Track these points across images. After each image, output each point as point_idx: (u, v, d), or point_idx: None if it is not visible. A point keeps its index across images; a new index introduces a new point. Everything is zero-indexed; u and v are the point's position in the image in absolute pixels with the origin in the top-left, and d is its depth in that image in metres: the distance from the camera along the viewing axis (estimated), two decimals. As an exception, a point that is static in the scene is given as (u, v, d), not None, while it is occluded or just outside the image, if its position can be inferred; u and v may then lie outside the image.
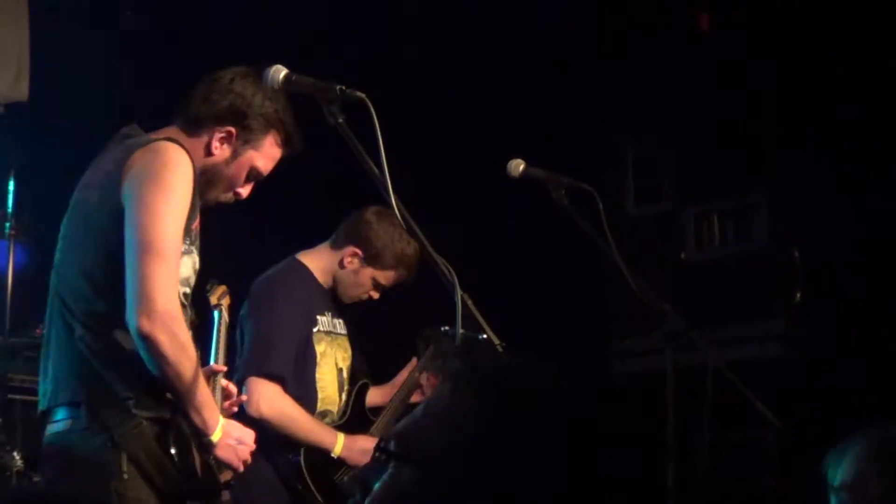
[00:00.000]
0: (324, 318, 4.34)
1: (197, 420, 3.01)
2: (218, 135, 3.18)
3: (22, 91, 5.86)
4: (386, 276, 4.37)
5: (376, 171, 2.71)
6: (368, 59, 5.71)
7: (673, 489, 3.62)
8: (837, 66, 5.27)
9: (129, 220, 2.95)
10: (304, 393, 4.21)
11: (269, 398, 4.07)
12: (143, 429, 2.96)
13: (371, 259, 4.33)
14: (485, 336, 2.79)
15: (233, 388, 3.40)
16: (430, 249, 2.86)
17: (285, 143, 3.27)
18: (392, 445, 1.55)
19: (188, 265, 3.12)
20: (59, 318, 3.06)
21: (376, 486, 1.56)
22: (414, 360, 4.60)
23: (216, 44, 5.86)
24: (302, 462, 4.16)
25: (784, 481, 4.88)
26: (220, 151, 3.19)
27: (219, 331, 3.69)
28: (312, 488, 4.14)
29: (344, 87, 2.77)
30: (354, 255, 4.33)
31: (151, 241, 2.92)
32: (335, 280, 4.39)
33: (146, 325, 2.88)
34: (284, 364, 4.14)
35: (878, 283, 5.26)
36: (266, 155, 3.25)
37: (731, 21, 5.33)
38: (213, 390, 3.27)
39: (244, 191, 3.28)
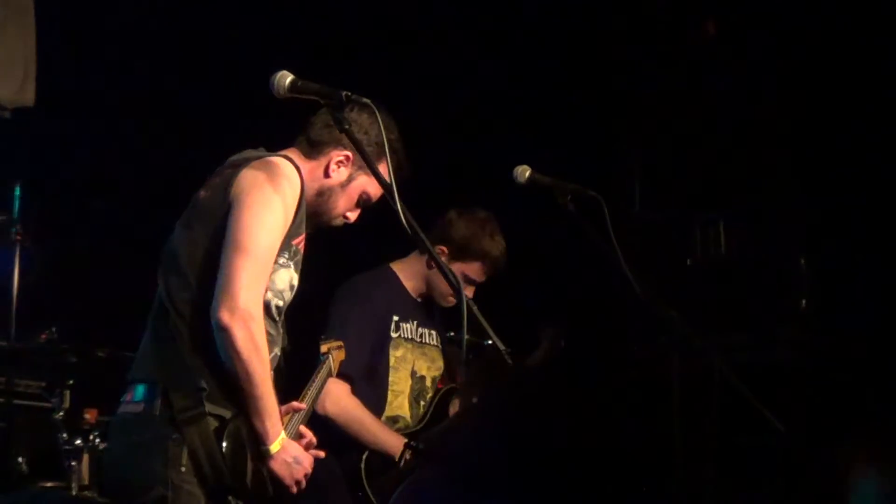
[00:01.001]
0: (408, 325, 4.39)
1: (258, 426, 3.05)
2: (336, 158, 3.30)
3: (28, 97, 5.86)
4: (474, 270, 4.41)
5: (384, 178, 2.71)
6: (373, 62, 5.72)
7: (679, 494, 3.61)
8: (844, 73, 5.27)
9: (231, 219, 3.06)
10: (372, 394, 4.24)
11: (336, 396, 4.13)
12: (205, 420, 3.01)
13: (457, 254, 4.40)
14: (490, 342, 2.80)
15: (308, 434, 3.39)
16: (437, 256, 2.86)
17: (396, 170, 3.31)
18: (420, 447, 1.58)
19: (284, 279, 3.19)
20: (160, 302, 3.16)
21: (402, 485, 1.59)
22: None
23: (222, 49, 5.86)
24: (362, 467, 4.15)
25: (790, 487, 4.87)
26: (337, 174, 3.32)
27: (318, 374, 3.71)
28: (370, 494, 4.13)
29: (350, 93, 2.77)
30: (441, 253, 4.39)
31: (245, 241, 3.01)
32: (428, 284, 4.43)
33: (226, 318, 2.96)
34: (353, 365, 4.16)
35: (884, 289, 5.25)
36: (377, 183, 3.31)
37: (738, 28, 5.33)
38: (287, 424, 3.28)
39: (353, 215, 3.39)
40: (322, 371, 3.73)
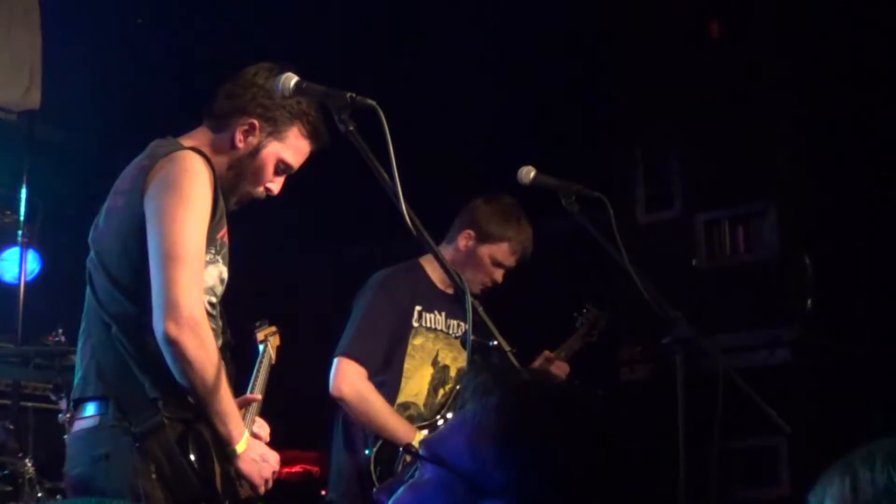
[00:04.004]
0: (433, 316, 4.41)
1: (222, 429, 3.02)
2: (241, 127, 3.20)
3: (34, 100, 5.89)
4: (502, 251, 4.44)
5: (387, 178, 2.71)
6: (377, 65, 5.73)
7: (683, 497, 3.61)
8: (847, 73, 5.27)
9: (151, 229, 2.98)
10: (387, 380, 4.27)
11: (352, 380, 4.18)
12: (164, 428, 2.97)
13: (484, 236, 4.44)
14: (495, 342, 2.80)
15: (265, 427, 3.38)
16: (442, 257, 2.87)
17: (311, 136, 3.27)
18: (421, 449, 1.59)
19: (213, 275, 3.14)
20: (97, 316, 3.09)
21: (401, 488, 1.60)
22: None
23: (227, 52, 5.87)
24: (372, 458, 4.19)
25: (795, 489, 4.86)
26: (245, 144, 3.21)
27: (261, 363, 3.71)
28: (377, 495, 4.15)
29: (354, 95, 2.78)
30: (469, 237, 4.44)
31: (173, 249, 2.94)
32: (459, 270, 4.42)
33: (173, 330, 2.90)
34: (371, 349, 4.24)
35: (889, 290, 5.25)
36: (292, 147, 3.26)
37: (741, 29, 5.33)
38: (246, 418, 3.26)
39: (275, 186, 3.29)
40: (264, 360, 3.73)
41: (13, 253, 5.90)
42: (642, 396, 5.21)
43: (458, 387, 4.39)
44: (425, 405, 4.37)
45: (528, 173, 3.56)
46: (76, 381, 3.15)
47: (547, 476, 1.48)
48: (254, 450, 3.10)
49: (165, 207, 2.98)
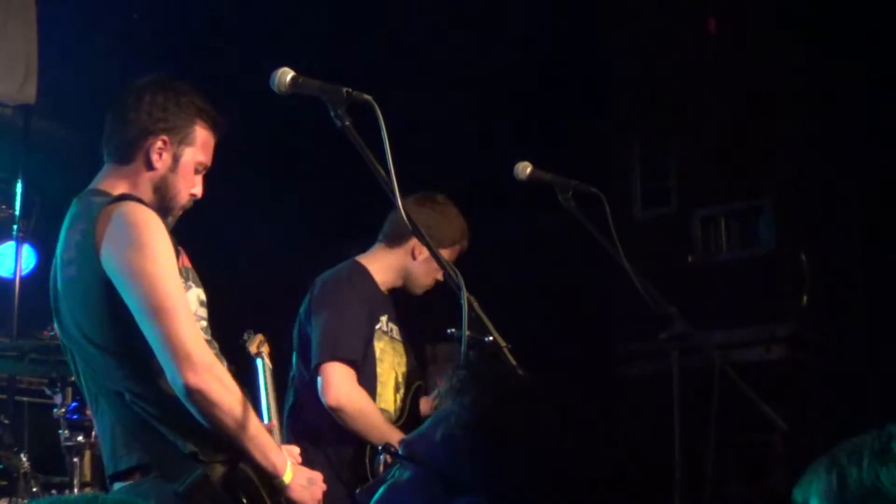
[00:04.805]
0: (383, 319, 4.35)
1: (265, 463, 2.97)
2: (153, 147, 3.14)
3: (29, 93, 5.87)
4: (453, 252, 4.38)
5: (383, 173, 2.71)
6: (372, 60, 5.72)
7: (679, 492, 3.61)
8: (843, 70, 5.28)
9: (128, 293, 2.92)
10: (366, 385, 4.18)
11: (347, 388, 4.05)
12: (208, 479, 2.92)
13: (439, 243, 4.32)
14: (491, 338, 2.79)
15: (293, 450, 3.31)
16: (438, 252, 2.86)
17: (213, 127, 3.23)
18: (400, 449, 1.59)
19: (192, 300, 3.10)
20: (104, 387, 3.02)
21: (381, 488, 1.60)
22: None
23: (222, 46, 5.87)
24: (367, 462, 4.12)
25: (790, 485, 4.86)
26: (162, 162, 3.15)
27: (265, 379, 3.65)
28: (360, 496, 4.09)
29: (350, 90, 2.77)
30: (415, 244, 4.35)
31: (159, 304, 2.89)
32: (407, 275, 4.39)
33: (192, 380, 2.85)
34: (357, 348, 4.13)
35: (885, 286, 5.26)
36: (202, 146, 3.22)
37: (738, 25, 5.33)
38: None
39: (198, 189, 3.24)
40: (266, 374, 3.66)
41: (9, 247, 5.89)
42: (638, 392, 5.21)
43: (409, 394, 4.38)
44: (395, 411, 4.34)
45: (524, 169, 3.54)
46: (105, 458, 3.05)
47: (520, 473, 1.49)
48: (301, 476, 3.07)
49: (134, 268, 2.92)
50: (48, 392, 4.94)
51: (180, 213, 3.24)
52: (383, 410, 4.26)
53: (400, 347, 4.42)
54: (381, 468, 4.07)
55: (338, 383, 4.04)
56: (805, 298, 5.07)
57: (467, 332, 2.68)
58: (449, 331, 4.52)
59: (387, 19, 6.00)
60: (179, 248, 3.12)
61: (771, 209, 5.15)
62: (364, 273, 4.35)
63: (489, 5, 5.85)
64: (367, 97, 2.73)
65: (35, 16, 5.88)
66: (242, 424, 2.92)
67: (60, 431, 4.70)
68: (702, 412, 3.62)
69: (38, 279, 5.91)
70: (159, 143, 3.14)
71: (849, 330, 5.34)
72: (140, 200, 3.04)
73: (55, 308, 3.10)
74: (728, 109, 5.25)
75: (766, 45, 5.26)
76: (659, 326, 3.67)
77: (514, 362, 2.80)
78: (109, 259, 2.94)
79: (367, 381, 4.20)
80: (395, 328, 4.41)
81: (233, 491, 2.94)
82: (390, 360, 4.34)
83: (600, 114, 5.76)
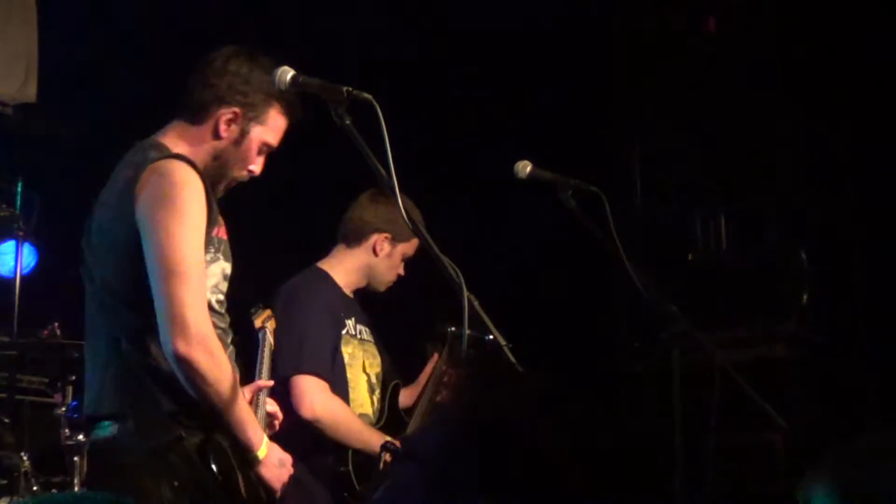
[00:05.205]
0: (351, 322, 4.33)
1: (242, 437, 3.01)
2: (224, 117, 3.18)
3: (30, 93, 5.88)
4: (413, 246, 4.36)
5: (383, 171, 2.71)
6: (372, 58, 5.72)
7: (679, 491, 3.61)
8: (845, 69, 5.27)
9: (148, 245, 2.95)
10: (338, 394, 4.17)
11: (322, 398, 4.06)
12: (183, 442, 2.95)
13: (400, 236, 4.33)
14: (491, 337, 2.79)
15: (275, 406, 3.37)
16: (437, 250, 2.86)
17: (288, 114, 3.26)
18: (399, 446, 1.60)
19: (216, 272, 3.12)
20: (104, 331, 3.06)
21: (381, 487, 1.60)
22: (435, 357, 4.59)
23: (222, 46, 5.86)
24: (350, 467, 4.12)
25: (791, 484, 4.86)
26: (229, 133, 3.19)
27: (263, 352, 3.68)
28: (361, 493, 4.11)
29: (351, 89, 2.77)
30: (385, 239, 4.35)
31: (174, 265, 2.91)
32: (370, 273, 4.38)
33: (182, 348, 2.88)
34: (326, 359, 4.13)
35: (885, 284, 5.25)
36: (273, 128, 3.25)
37: (738, 23, 5.33)
38: (257, 405, 3.27)
39: (257, 167, 3.28)
40: (265, 347, 3.70)
41: (9, 246, 5.89)
42: (638, 391, 5.21)
43: (388, 393, 4.37)
44: (373, 413, 4.33)
45: (524, 167, 3.54)
46: (88, 397, 3.11)
47: (520, 471, 1.49)
48: (274, 454, 3.10)
49: (161, 223, 2.94)
50: (48, 391, 4.94)
51: (233, 184, 3.26)
52: (362, 415, 4.26)
53: (372, 348, 4.41)
54: (381, 466, 4.07)
55: (311, 396, 4.04)
56: (805, 297, 5.07)
57: (468, 331, 2.68)
58: (449, 329, 4.54)
59: (386, 17, 6.00)
60: (220, 218, 3.14)
61: (772, 207, 5.15)
62: (325, 279, 4.34)
63: (490, 4, 5.85)
64: (368, 96, 2.73)
65: (35, 16, 5.89)
66: (225, 399, 2.94)
67: (61, 431, 4.70)
68: (702, 410, 3.61)
69: (39, 278, 5.92)
70: (230, 114, 3.17)
71: (849, 329, 5.34)
72: (192, 164, 3.06)
73: (85, 242, 3.13)
74: (729, 108, 5.25)
75: (766, 44, 5.25)
76: (659, 325, 3.67)
77: (514, 361, 2.80)
78: (141, 210, 2.97)
79: (339, 388, 4.19)
80: (364, 329, 4.40)
81: (205, 458, 2.97)
82: (359, 364, 4.33)
83: (601, 112, 5.76)
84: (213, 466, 2.96)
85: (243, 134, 3.19)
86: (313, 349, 4.10)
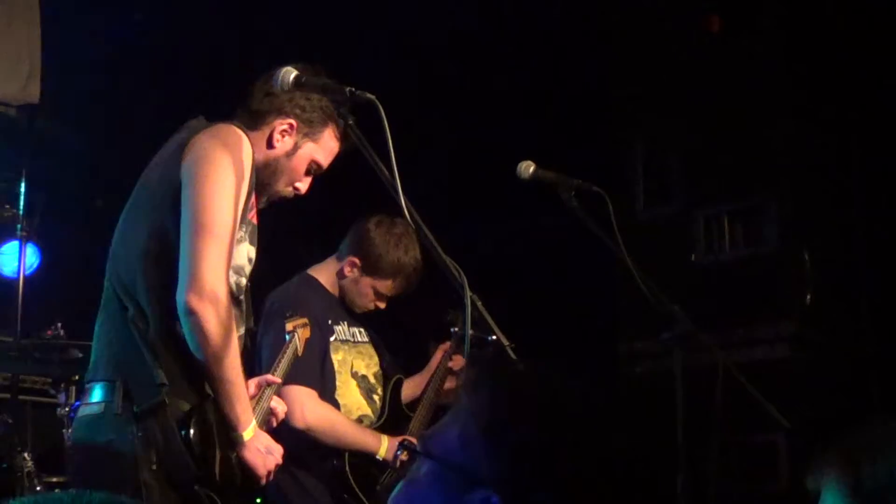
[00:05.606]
0: (340, 328, 4.33)
1: (229, 412, 2.98)
2: (279, 127, 3.22)
3: (33, 93, 5.88)
4: (385, 286, 4.35)
5: (386, 172, 2.71)
6: (375, 58, 5.72)
7: (683, 492, 3.61)
8: (848, 68, 5.27)
9: (185, 197, 2.95)
10: (328, 400, 4.19)
11: (313, 406, 4.09)
12: (165, 407, 2.93)
13: (369, 268, 4.32)
14: (494, 337, 2.79)
15: (281, 404, 3.36)
16: (440, 251, 2.86)
17: (343, 137, 3.28)
18: (418, 444, 1.61)
19: (242, 254, 3.11)
20: (116, 299, 3.05)
21: (399, 484, 1.62)
22: (443, 346, 4.59)
23: (224, 47, 5.87)
24: (347, 468, 4.13)
25: (794, 484, 4.86)
26: (282, 144, 3.22)
27: (285, 351, 3.68)
28: (360, 495, 4.12)
29: (354, 89, 2.77)
30: (354, 264, 4.34)
31: (205, 220, 2.92)
32: (341, 291, 4.40)
33: (193, 301, 2.87)
34: (314, 368, 4.14)
35: (889, 284, 5.25)
36: (325, 148, 3.28)
37: (741, 23, 5.33)
38: (262, 400, 3.26)
39: (303, 185, 3.30)
40: (289, 349, 3.70)
41: (12, 247, 5.90)
42: (641, 392, 5.21)
43: (389, 390, 4.38)
44: (372, 412, 4.33)
45: (527, 168, 3.54)
46: (90, 362, 3.12)
47: (537, 469, 1.50)
48: (260, 440, 3.06)
49: (200, 178, 2.95)
50: (51, 391, 4.95)
51: (276, 200, 3.28)
52: (362, 416, 4.28)
53: (368, 349, 4.42)
54: (398, 465, 4.10)
55: (301, 405, 4.06)
56: (809, 297, 5.07)
57: (470, 331, 2.68)
58: (452, 329, 4.55)
59: (389, 20, 6.00)
60: (254, 202, 3.12)
61: (774, 208, 5.15)
62: (313, 284, 4.36)
63: (491, 6, 5.85)
64: (371, 96, 2.73)
65: (39, 16, 5.89)
66: (223, 366, 2.93)
67: (63, 431, 4.70)
68: (705, 411, 3.61)
69: (42, 279, 5.93)
70: (286, 126, 3.21)
71: (852, 328, 5.34)
72: (246, 133, 3.07)
73: (123, 216, 3.14)
74: (731, 108, 5.25)
75: (768, 43, 5.25)
76: (662, 325, 3.66)
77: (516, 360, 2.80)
78: (188, 163, 2.98)
79: (330, 395, 4.21)
80: (358, 331, 4.41)
81: (185, 427, 2.94)
82: (348, 368, 4.32)
83: (603, 112, 5.76)
84: (191, 435, 2.93)
85: (296, 147, 3.23)
86: (301, 360, 4.06)
